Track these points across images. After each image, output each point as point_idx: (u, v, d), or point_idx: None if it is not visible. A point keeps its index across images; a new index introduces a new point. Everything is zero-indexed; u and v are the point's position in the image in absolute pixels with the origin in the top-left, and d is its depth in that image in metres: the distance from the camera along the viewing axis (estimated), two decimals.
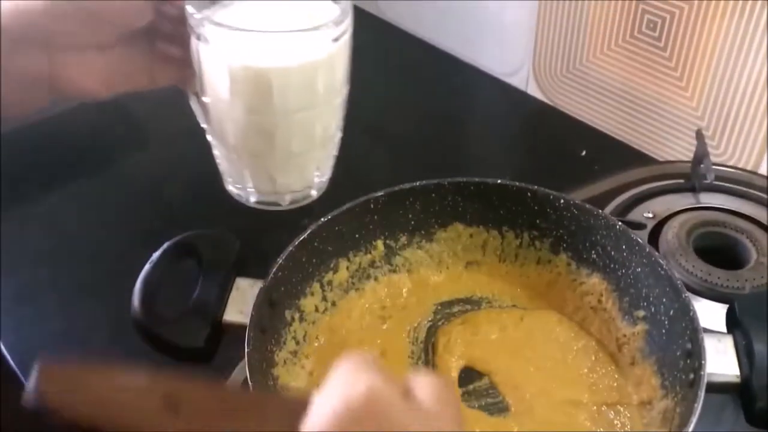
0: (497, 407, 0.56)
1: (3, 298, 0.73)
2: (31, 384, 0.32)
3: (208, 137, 0.48)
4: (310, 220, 0.60)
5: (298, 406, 0.36)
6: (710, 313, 0.61)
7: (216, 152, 0.49)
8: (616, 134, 0.97)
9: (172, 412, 0.34)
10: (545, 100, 1.04)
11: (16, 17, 0.46)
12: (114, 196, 0.88)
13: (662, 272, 0.56)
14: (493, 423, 0.55)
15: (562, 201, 0.62)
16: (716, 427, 0.57)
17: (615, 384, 0.57)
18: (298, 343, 0.58)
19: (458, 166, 0.90)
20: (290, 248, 0.57)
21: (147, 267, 0.56)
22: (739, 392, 0.51)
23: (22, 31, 0.46)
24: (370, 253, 0.64)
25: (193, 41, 0.45)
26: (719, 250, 0.69)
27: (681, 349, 0.53)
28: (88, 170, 0.92)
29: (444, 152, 0.95)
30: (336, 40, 0.45)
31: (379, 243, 0.64)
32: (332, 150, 0.49)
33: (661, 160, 0.92)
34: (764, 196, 0.76)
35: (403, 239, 0.65)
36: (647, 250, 0.57)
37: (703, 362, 0.49)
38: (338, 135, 0.49)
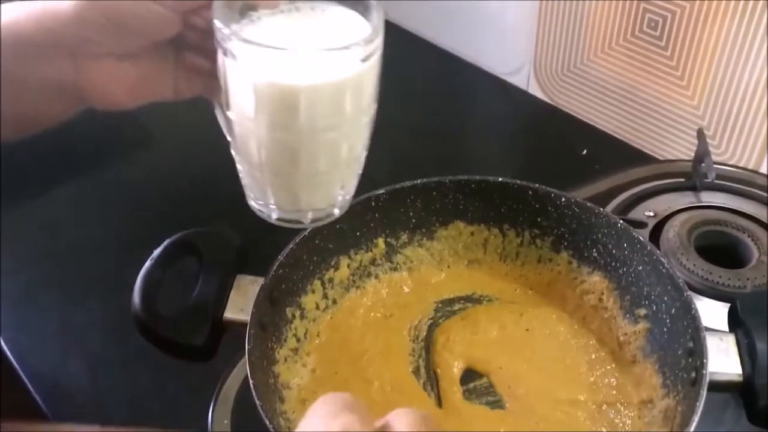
0: (498, 405, 0.56)
1: (3, 297, 0.73)
2: None
3: (232, 152, 0.48)
4: None
5: None
6: (711, 312, 0.61)
7: (239, 167, 0.48)
8: (617, 133, 0.97)
9: None
10: (546, 100, 1.04)
11: (42, 24, 0.45)
12: (113, 195, 0.88)
13: (663, 270, 0.56)
14: (494, 419, 0.55)
15: (563, 199, 0.62)
16: (718, 426, 0.57)
17: (615, 383, 0.57)
18: (298, 340, 0.58)
19: (459, 164, 0.90)
20: (291, 246, 0.57)
21: (147, 265, 0.56)
22: (741, 391, 0.51)
23: (48, 38, 0.45)
24: (371, 251, 0.64)
25: (220, 56, 0.44)
26: (720, 249, 0.69)
27: (683, 347, 0.53)
28: (88, 170, 0.92)
29: (445, 150, 0.95)
30: (366, 59, 0.44)
31: (380, 241, 0.64)
32: (357, 169, 0.49)
33: (662, 159, 0.92)
34: (765, 194, 0.76)
35: (404, 237, 0.65)
36: (648, 248, 0.57)
37: (705, 361, 0.49)
38: (364, 154, 0.48)
